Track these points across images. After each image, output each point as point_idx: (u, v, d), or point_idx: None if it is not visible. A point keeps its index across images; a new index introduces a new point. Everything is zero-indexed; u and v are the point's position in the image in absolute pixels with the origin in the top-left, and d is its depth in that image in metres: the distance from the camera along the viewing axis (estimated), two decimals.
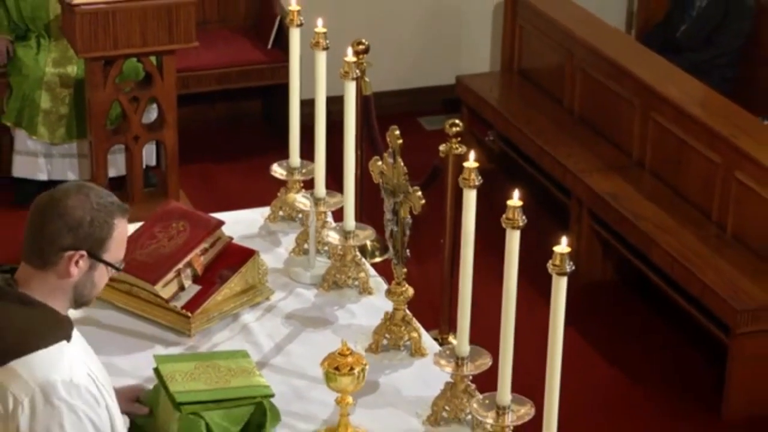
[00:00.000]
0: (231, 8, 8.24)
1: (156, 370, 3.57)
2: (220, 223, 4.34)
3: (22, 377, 3.07)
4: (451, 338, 4.16)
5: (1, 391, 3.09)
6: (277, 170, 4.67)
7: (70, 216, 3.12)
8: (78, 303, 3.23)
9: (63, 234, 3.12)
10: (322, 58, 4.32)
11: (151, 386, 3.63)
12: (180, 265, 4.17)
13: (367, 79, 5.91)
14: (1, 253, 5.57)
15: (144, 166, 7.05)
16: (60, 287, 3.17)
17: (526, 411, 3.53)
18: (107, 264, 3.20)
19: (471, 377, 3.73)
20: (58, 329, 3.15)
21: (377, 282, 4.39)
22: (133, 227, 4.37)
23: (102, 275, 3.21)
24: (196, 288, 4.18)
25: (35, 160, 7.28)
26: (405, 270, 4.05)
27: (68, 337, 3.17)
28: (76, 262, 3.14)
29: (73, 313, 3.92)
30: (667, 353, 6.36)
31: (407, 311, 4.08)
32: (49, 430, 3.07)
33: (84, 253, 3.14)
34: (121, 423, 3.30)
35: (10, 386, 3.08)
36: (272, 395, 3.58)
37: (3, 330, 3.10)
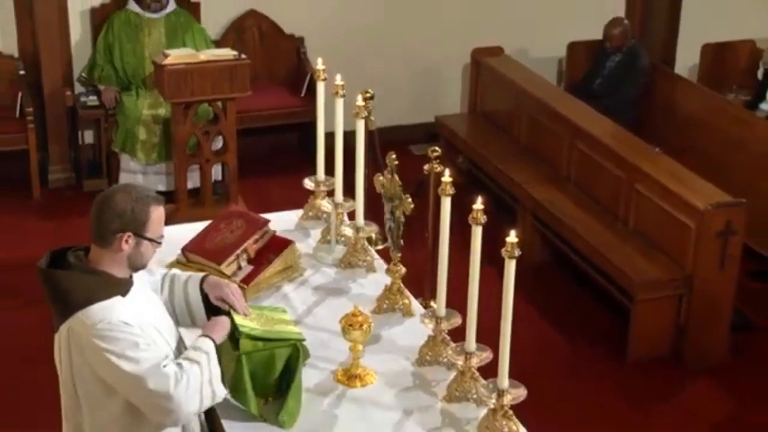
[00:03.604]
0: (275, 67, 8.23)
1: (229, 315, 3.50)
2: (267, 221, 4.33)
3: (86, 322, 3.09)
4: (432, 303, 4.14)
5: (74, 334, 3.12)
6: (308, 183, 4.65)
7: (117, 207, 3.14)
8: (133, 269, 3.24)
9: (113, 221, 3.14)
10: (340, 103, 4.30)
11: None
12: (238, 251, 4.16)
13: (372, 118, 5.86)
14: None
15: (213, 181, 7.04)
16: (117, 259, 3.18)
17: (487, 355, 3.52)
18: (149, 239, 3.20)
19: (446, 332, 3.72)
20: (114, 288, 3.15)
21: (379, 263, 4.37)
22: (204, 224, 4.37)
23: (147, 248, 3.21)
24: (250, 267, 4.17)
25: (135, 176, 7.28)
26: (399, 255, 4.03)
27: (123, 293, 3.17)
28: (126, 241, 3.15)
29: None
30: (587, 313, 6.35)
31: (401, 284, 4.06)
32: (107, 353, 3.07)
33: (130, 233, 3.15)
34: (171, 357, 3.24)
35: (79, 329, 3.10)
36: (304, 339, 3.55)
37: (73, 291, 3.12)
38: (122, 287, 3.18)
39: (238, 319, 3.45)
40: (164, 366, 3.10)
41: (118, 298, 3.14)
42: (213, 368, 3.21)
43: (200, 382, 3.15)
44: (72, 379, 3.18)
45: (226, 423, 3.40)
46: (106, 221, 3.13)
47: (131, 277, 3.24)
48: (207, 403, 3.20)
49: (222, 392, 3.25)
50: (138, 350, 3.07)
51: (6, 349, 5.78)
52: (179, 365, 3.14)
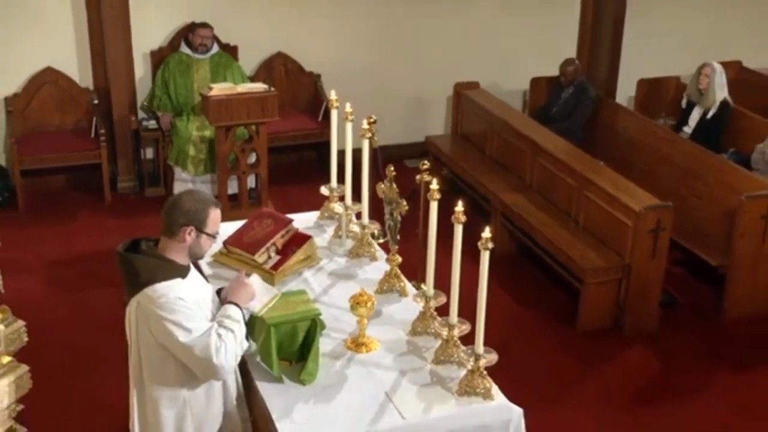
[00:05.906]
0: (297, 97, 8.22)
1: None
2: (291, 220, 4.33)
3: (151, 296, 3.10)
4: (422, 286, 4.14)
5: (141, 306, 3.12)
6: (324, 190, 4.64)
7: (184, 207, 3.16)
8: (193, 257, 3.25)
9: (180, 217, 3.15)
10: (349, 126, 4.30)
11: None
12: (268, 244, 4.16)
13: (375, 138, 5.88)
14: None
15: (248, 188, 7.03)
16: (181, 248, 3.19)
17: (466, 327, 3.52)
18: (207, 234, 3.21)
19: (434, 308, 3.72)
20: (175, 271, 3.16)
21: (380, 254, 4.37)
22: (241, 223, 4.37)
23: (205, 241, 3.22)
24: (277, 257, 4.17)
25: (186, 184, 7.27)
26: (396, 247, 4.04)
27: (183, 276, 3.17)
28: (189, 233, 3.16)
29: (208, 272, 3.89)
30: (545, 293, 6.34)
31: (398, 270, 4.07)
32: (165, 322, 3.07)
33: (193, 228, 3.16)
34: (215, 327, 3.21)
35: (145, 302, 3.11)
36: (320, 314, 3.55)
37: (142, 270, 3.12)
38: (183, 271, 3.19)
39: (264, 314, 3.43)
40: (209, 337, 3.10)
41: (178, 280, 3.15)
42: (243, 331, 3.24)
43: (235, 345, 3.17)
44: (137, 343, 3.19)
45: (259, 384, 3.40)
46: (175, 217, 3.15)
47: (189, 265, 3.24)
48: (239, 358, 3.24)
49: (247, 344, 3.29)
50: (190, 322, 3.08)
51: (87, 320, 5.82)
52: (219, 336, 3.15)
